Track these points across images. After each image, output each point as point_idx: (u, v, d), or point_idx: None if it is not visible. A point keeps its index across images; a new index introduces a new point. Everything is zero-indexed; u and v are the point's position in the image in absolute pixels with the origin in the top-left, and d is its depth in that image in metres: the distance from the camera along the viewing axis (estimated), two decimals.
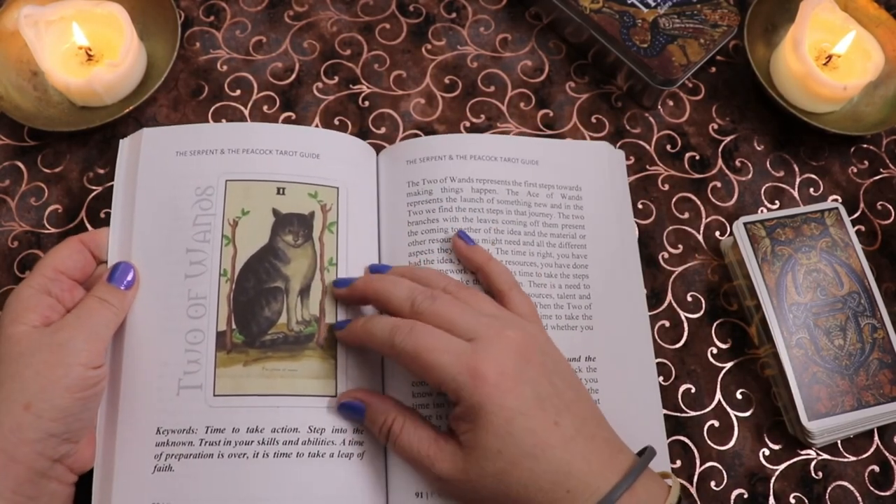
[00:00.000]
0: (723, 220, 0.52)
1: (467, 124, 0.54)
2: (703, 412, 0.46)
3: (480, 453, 0.35)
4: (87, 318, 0.38)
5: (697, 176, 0.54)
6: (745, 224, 0.48)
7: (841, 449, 0.46)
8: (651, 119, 0.56)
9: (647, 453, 0.37)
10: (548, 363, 0.37)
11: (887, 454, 0.46)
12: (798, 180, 0.54)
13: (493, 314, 0.39)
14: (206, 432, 0.38)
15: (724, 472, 0.45)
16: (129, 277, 0.40)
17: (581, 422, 0.36)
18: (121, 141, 0.46)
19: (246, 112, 0.53)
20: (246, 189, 0.44)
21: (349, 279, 0.42)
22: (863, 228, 0.53)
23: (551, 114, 0.55)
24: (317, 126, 0.53)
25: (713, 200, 0.53)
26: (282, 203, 0.44)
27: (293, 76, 0.55)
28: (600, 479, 0.34)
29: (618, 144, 0.54)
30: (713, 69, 0.58)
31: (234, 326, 0.41)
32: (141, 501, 0.37)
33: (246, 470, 0.38)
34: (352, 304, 0.43)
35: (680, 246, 0.51)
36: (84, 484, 0.38)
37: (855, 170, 0.55)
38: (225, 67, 0.55)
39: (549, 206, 0.47)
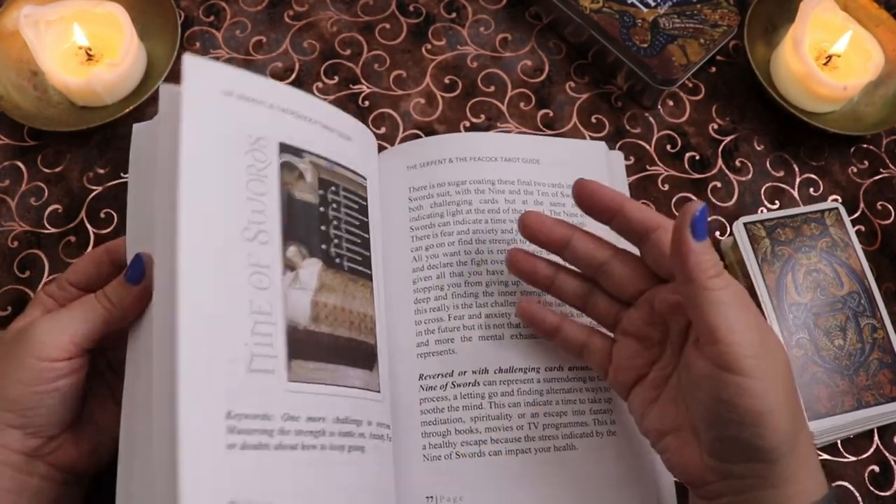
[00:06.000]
0: (723, 220, 0.52)
1: (467, 124, 0.54)
2: None
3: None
4: (65, 311, 0.37)
5: (697, 176, 0.54)
6: (744, 224, 0.48)
7: (841, 449, 0.46)
8: (651, 119, 0.56)
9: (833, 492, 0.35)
10: None
11: (887, 454, 0.46)
12: (798, 180, 0.54)
13: None
14: (284, 420, 0.34)
15: None
16: (137, 271, 0.37)
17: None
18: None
19: None
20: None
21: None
22: (863, 228, 0.53)
23: (551, 114, 0.55)
24: None
25: (713, 200, 0.53)
26: None
27: (293, 76, 0.55)
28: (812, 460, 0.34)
29: (618, 144, 0.54)
30: (713, 69, 0.58)
31: None
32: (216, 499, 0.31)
33: (320, 461, 0.35)
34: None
35: None
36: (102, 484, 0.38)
37: (855, 170, 0.55)
38: None
39: (549, 206, 0.47)
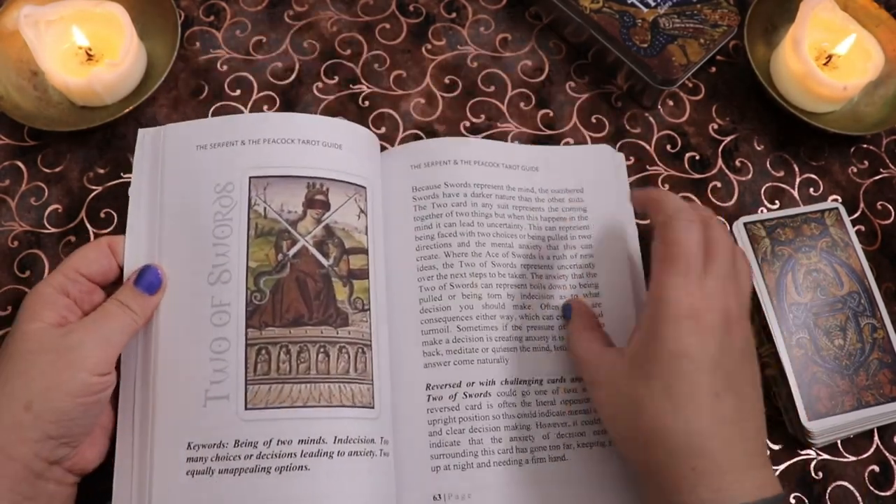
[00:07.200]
0: (723, 220, 0.52)
1: (467, 124, 0.54)
2: None
3: (633, 363, 0.36)
4: (102, 323, 0.37)
5: (697, 176, 0.54)
6: (745, 224, 0.48)
7: (841, 449, 0.46)
8: (651, 119, 0.56)
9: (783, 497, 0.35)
10: (746, 346, 0.37)
11: (887, 454, 0.46)
12: (798, 180, 0.54)
13: (725, 275, 0.37)
14: (235, 446, 0.37)
15: None
16: (156, 282, 0.39)
17: (741, 415, 0.35)
18: (140, 132, 0.44)
19: (246, 112, 0.53)
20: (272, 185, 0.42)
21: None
22: (863, 228, 0.53)
23: (551, 114, 0.55)
24: None
25: (713, 200, 0.53)
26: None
27: (293, 76, 0.55)
28: (732, 479, 0.33)
29: (618, 144, 0.54)
30: (713, 69, 0.58)
31: None
32: None
33: (280, 483, 0.37)
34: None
35: None
36: (87, 485, 0.38)
37: (855, 170, 0.55)
38: (225, 67, 0.55)
39: (548, 210, 0.48)
